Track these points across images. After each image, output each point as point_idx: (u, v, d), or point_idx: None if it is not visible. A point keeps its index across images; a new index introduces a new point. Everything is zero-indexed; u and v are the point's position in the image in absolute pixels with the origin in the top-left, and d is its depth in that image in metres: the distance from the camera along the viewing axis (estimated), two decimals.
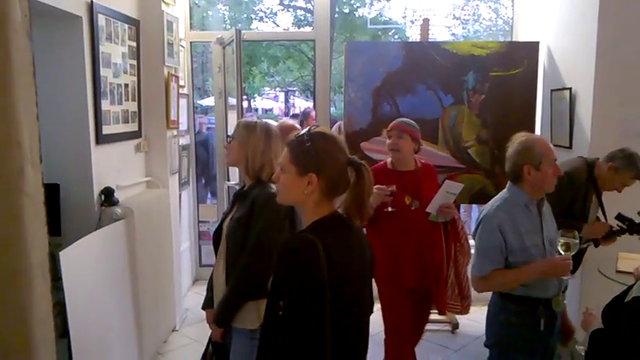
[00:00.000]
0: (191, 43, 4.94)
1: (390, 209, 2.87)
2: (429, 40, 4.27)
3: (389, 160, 3.05)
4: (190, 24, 4.95)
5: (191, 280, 5.10)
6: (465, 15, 8.06)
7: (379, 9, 10.09)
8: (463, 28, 7.95)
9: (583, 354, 1.95)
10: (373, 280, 1.72)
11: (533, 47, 4.04)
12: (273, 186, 2.21)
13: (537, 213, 2.25)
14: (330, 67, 5.02)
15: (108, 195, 3.14)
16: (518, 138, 2.24)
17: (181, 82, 4.36)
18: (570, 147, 3.64)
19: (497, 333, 2.32)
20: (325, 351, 1.43)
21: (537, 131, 4.14)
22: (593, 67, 3.35)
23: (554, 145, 3.97)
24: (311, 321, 1.42)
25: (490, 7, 7.71)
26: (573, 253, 2.13)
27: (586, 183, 2.99)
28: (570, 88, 3.65)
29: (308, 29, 6.39)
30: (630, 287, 1.85)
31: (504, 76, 4.06)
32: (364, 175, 1.49)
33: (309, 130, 1.55)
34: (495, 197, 2.32)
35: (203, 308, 2.42)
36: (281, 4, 11.41)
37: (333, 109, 6.66)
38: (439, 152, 4.12)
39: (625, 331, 1.75)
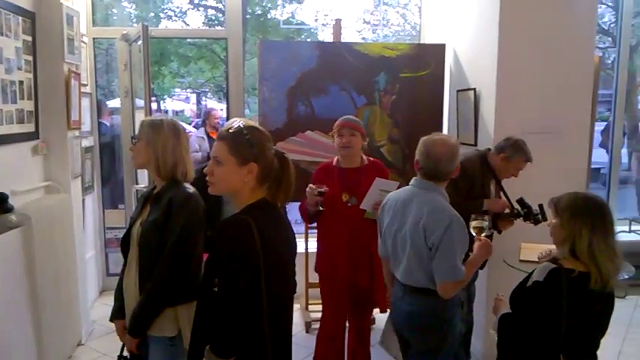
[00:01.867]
0: (94, 39, 4.67)
1: (321, 208, 2.97)
2: (342, 41, 4.32)
3: (336, 158, 3.14)
4: (93, 20, 4.68)
5: (98, 290, 4.81)
6: (374, 20, 8.26)
7: (291, 11, 10.11)
8: (373, 32, 8.14)
9: (496, 338, 2.04)
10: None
11: (439, 49, 4.21)
12: (189, 185, 2.13)
13: None
14: (243, 67, 4.95)
15: (1, 201, 2.87)
16: (447, 139, 2.34)
17: (83, 81, 4.09)
18: (475, 144, 3.82)
19: (436, 330, 2.33)
20: (262, 321, 1.60)
21: (445, 130, 4.32)
22: (495, 69, 3.54)
23: (461, 143, 4.21)
24: (248, 292, 1.57)
25: (398, 12, 7.96)
26: (485, 234, 2.28)
27: (481, 171, 3.22)
28: (474, 89, 3.84)
29: (220, 29, 6.27)
30: (531, 273, 1.96)
31: (413, 78, 4.20)
32: (288, 164, 1.72)
33: (242, 123, 1.69)
34: (423, 199, 2.28)
35: (112, 320, 2.27)
36: (191, 2, 11.11)
37: (247, 110, 6.60)
38: None
39: (527, 312, 1.87)
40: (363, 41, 5.37)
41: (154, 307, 2.04)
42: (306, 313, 4.32)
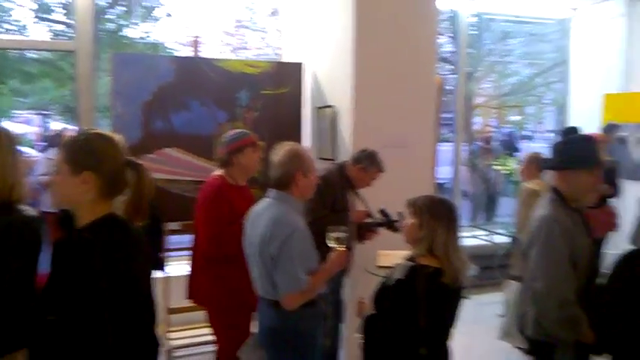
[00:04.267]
0: None
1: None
2: (201, 56, 4.25)
3: (217, 172, 2.95)
4: None
5: None
6: (236, 42, 8.29)
7: (147, 31, 9.74)
8: (233, 53, 8.15)
9: (361, 341, 2.09)
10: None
11: (296, 68, 4.33)
12: (26, 207, 1.90)
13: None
14: (94, 83, 4.63)
15: None
16: (286, 146, 2.31)
17: None
18: (334, 159, 3.96)
19: (290, 344, 2.27)
20: (106, 351, 1.39)
21: (305, 144, 4.43)
22: (351, 87, 3.73)
23: (320, 158, 4.37)
24: (90, 322, 1.39)
25: (259, 34, 8.07)
26: (344, 245, 2.29)
27: (340, 182, 3.36)
28: (332, 106, 4.00)
29: (67, 41, 5.78)
30: (390, 274, 2.06)
31: (274, 95, 4.26)
32: (144, 175, 1.54)
33: (83, 130, 1.56)
34: (272, 210, 2.25)
35: None
36: (36, 16, 10.20)
37: None
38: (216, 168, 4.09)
39: (389, 309, 1.95)
40: (223, 57, 5.33)
41: None
42: (166, 341, 4.07)
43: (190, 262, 3.05)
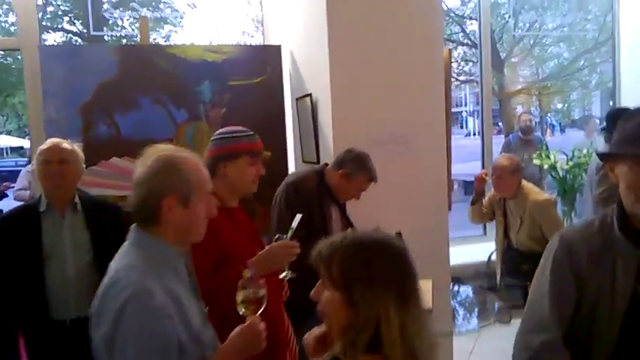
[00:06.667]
0: None
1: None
2: (150, 43, 3.51)
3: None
4: None
5: None
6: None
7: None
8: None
9: None
10: None
11: (274, 52, 3.53)
12: None
13: (187, 273, 1.41)
14: None
15: None
16: (155, 153, 1.36)
17: None
18: (318, 162, 3.14)
19: None
20: None
21: (289, 147, 3.62)
22: (327, 70, 2.90)
23: (305, 162, 3.55)
24: None
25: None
26: (260, 310, 1.40)
27: (317, 191, 2.52)
28: (310, 94, 3.18)
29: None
30: None
31: (246, 85, 3.47)
32: None
33: None
34: (124, 257, 1.33)
35: None
36: None
37: None
38: None
39: None
40: (177, 44, 4.46)
41: None
42: None
43: None
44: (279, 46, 3.54)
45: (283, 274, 1.86)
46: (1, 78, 10.48)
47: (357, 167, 2.49)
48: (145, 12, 4.39)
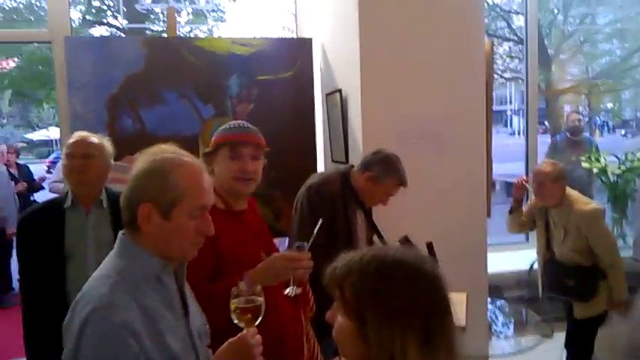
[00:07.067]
0: None
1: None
2: (178, 35, 3.41)
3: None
4: None
5: None
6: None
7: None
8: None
9: None
10: None
11: (305, 45, 3.38)
12: None
13: (176, 289, 1.23)
14: None
15: None
16: (154, 153, 1.23)
17: None
18: (347, 162, 2.97)
19: None
20: None
21: (319, 145, 3.46)
22: (358, 65, 2.72)
23: (334, 161, 3.39)
24: None
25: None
26: (258, 321, 1.27)
27: (342, 195, 2.33)
28: (340, 90, 3.01)
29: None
30: None
31: (275, 80, 3.34)
32: None
33: None
34: (104, 265, 1.19)
35: None
36: None
37: None
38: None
39: None
40: (206, 35, 4.36)
41: None
42: None
43: None
44: (311, 39, 3.38)
45: (287, 290, 1.64)
46: (47, 72, 10.72)
47: (384, 170, 2.28)
48: (184, 5, 4.33)
